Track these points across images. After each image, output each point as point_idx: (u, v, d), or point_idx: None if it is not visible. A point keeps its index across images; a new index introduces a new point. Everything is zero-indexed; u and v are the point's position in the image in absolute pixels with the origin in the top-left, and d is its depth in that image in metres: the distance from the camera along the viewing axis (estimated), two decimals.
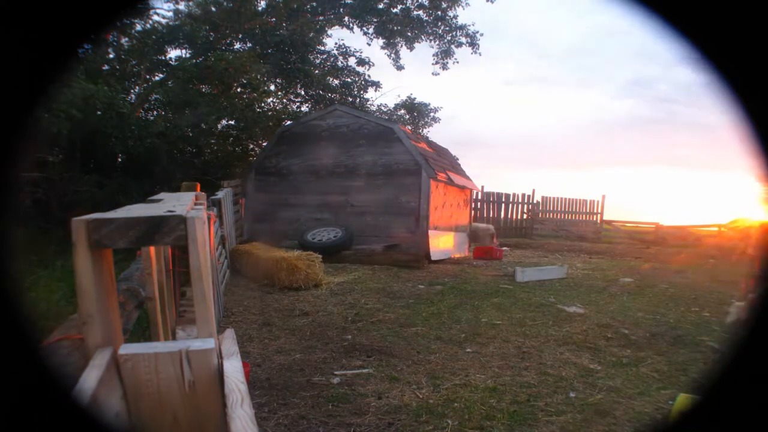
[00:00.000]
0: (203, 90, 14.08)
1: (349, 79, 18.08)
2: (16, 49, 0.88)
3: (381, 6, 17.14)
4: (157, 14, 14.13)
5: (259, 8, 16.17)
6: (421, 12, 17.45)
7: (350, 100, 17.32)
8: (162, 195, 2.25)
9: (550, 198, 20.32)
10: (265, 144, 13.44)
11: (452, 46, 18.12)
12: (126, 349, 1.12)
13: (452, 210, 12.39)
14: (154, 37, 13.93)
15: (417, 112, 18.77)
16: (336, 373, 4.18)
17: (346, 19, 17.54)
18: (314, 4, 16.93)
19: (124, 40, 13.89)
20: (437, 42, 18.11)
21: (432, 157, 11.72)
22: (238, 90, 13.83)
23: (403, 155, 10.79)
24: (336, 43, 18.29)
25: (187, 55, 14.68)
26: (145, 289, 2.31)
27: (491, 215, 19.58)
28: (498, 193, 19.61)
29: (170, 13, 14.46)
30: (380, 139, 10.99)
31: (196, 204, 1.94)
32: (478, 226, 14.33)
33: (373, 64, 18.10)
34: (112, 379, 1.07)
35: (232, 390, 1.11)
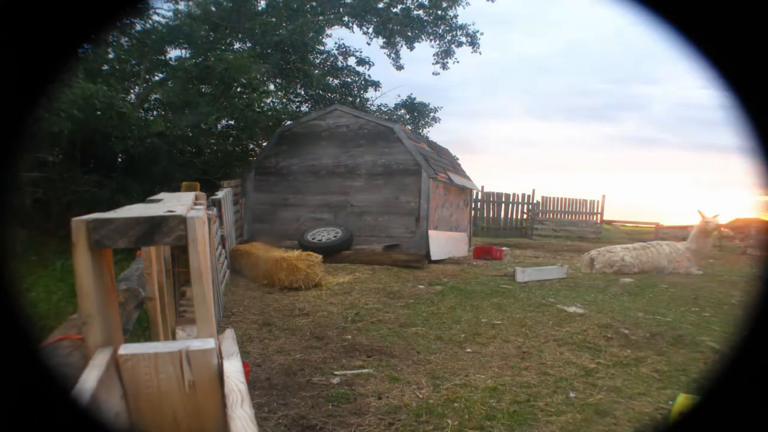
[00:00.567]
0: (203, 90, 14.09)
1: (349, 79, 18.08)
2: (16, 48, 0.88)
3: (381, 6, 17.14)
4: (157, 14, 14.16)
5: (259, 8, 16.17)
6: (421, 12, 17.45)
7: (350, 100, 17.32)
8: (162, 195, 2.25)
9: (550, 198, 20.34)
10: (265, 144, 13.44)
11: (452, 46, 18.13)
12: (126, 349, 1.12)
13: (452, 210, 12.39)
14: (154, 37, 13.94)
15: (417, 112, 18.78)
16: (336, 373, 4.18)
17: (346, 18, 17.55)
18: (314, 4, 16.93)
19: (124, 40, 13.90)
20: (437, 42, 18.13)
21: (432, 157, 11.72)
22: (238, 90, 13.83)
23: (403, 155, 10.80)
24: (336, 43, 18.29)
25: (187, 55, 14.69)
26: (145, 289, 2.31)
27: (491, 215, 19.59)
28: (498, 193, 19.62)
29: (170, 13, 14.47)
30: (380, 138, 11.00)
31: (196, 204, 1.94)
32: None
33: (373, 64, 18.13)
34: (112, 379, 1.07)
35: (232, 390, 1.11)
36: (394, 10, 17.12)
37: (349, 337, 5.22)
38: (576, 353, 4.87)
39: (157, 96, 14.84)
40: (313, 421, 3.28)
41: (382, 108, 18.59)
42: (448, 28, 17.74)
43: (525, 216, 19.81)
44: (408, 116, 18.77)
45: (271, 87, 15.95)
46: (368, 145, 11.08)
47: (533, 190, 20.03)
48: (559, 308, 6.71)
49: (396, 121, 15.63)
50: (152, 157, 11.69)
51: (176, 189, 3.92)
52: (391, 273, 8.88)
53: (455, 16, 17.54)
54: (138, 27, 13.67)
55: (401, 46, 18.19)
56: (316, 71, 16.87)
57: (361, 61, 18.01)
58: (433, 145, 13.62)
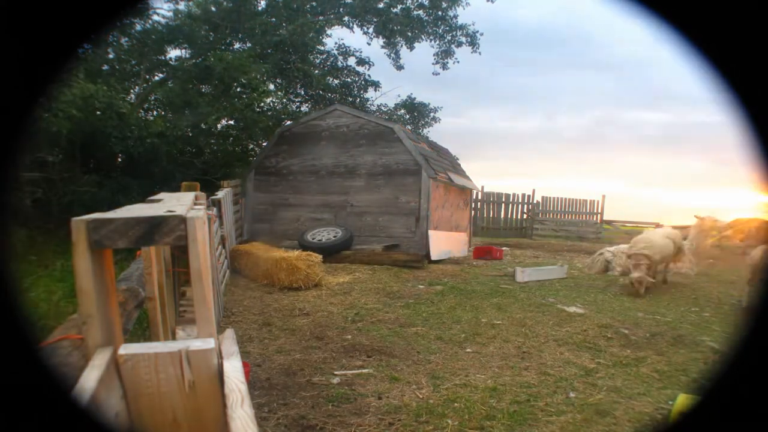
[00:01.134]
0: (203, 90, 14.09)
1: (348, 79, 18.08)
2: (16, 48, 0.88)
3: (381, 6, 17.15)
4: (157, 14, 14.16)
5: (259, 8, 16.17)
6: (421, 12, 17.46)
7: (350, 100, 17.32)
8: (162, 195, 2.25)
9: (550, 198, 20.33)
10: (265, 144, 13.44)
11: (452, 46, 18.13)
12: (126, 349, 1.12)
13: (452, 210, 12.40)
14: (154, 37, 13.94)
15: (417, 112, 18.77)
16: (336, 373, 4.18)
17: (346, 18, 17.54)
18: (314, 4, 16.94)
19: (124, 40, 13.91)
20: (437, 42, 18.13)
21: (432, 157, 11.72)
22: (238, 90, 13.82)
23: (403, 155, 10.80)
24: (336, 43, 18.28)
25: (187, 55, 14.70)
26: (145, 289, 2.31)
27: (491, 215, 19.59)
28: (498, 193, 19.62)
29: (170, 13, 14.48)
30: (380, 138, 11.00)
31: (196, 204, 1.94)
32: None
33: (373, 64, 18.12)
34: (112, 379, 1.07)
35: (232, 390, 1.11)
36: (394, 10, 17.12)
37: (349, 337, 5.22)
38: (576, 353, 4.87)
39: (157, 96, 14.84)
40: (313, 421, 3.28)
41: (382, 108, 18.60)
42: (448, 28, 17.75)
43: (525, 216, 19.81)
44: (408, 116, 18.77)
45: (271, 87, 15.95)
46: (368, 145, 11.08)
47: (533, 190, 20.02)
48: (559, 308, 6.71)
49: (396, 121, 15.64)
50: (152, 157, 11.69)
51: (176, 189, 3.92)
52: (391, 273, 8.88)
53: (455, 17, 17.55)
54: (138, 27, 13.67)
55: (401, 46, 18.21)
56: (316, 71, 16.87)
57: (361, 61, 18.01)
58: (433, 145, 13.62)
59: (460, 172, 13.95)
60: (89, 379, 0.99)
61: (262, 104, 14.66)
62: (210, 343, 1.15)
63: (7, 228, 1.00)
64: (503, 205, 19.64)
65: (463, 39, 17.94)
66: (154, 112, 14.96)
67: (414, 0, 17.23)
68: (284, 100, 16.94)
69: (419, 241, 10.53)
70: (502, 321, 5.98)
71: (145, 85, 14.76)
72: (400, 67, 18.72)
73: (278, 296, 7.04)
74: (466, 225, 13.75)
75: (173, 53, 15.06)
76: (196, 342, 1.15)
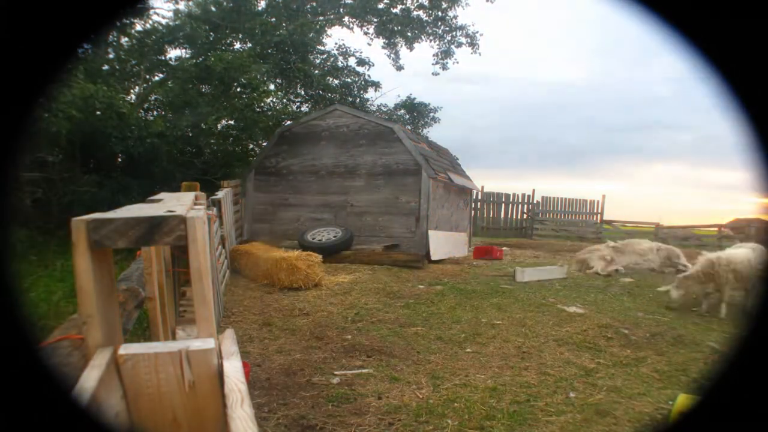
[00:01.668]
0: (203, 90, 14.08)
1: (349, 79, 18.08)
2: (16, 48, 0.88)
3: (381, 6, 17.16)
4: (157, 14, 14.17)
5: (259, 8, 16.18)
6: (421, 12, 17.47)
7: (350, 100, 17.31)
8: (162, 195, 2.25)
9: (550, 198, 20.33)
10: (265, 144, 13.44)
11: (452, 47, 18.14)
12: (126, 349, 1.12)
13: (452, 210, 12.39)
14: (154, 37, 13.94)
15: (417, 112, 18.78)
16: (336, 373, 4.18)
17: (346, 19, 17.56)
18: (314, 4, 16.95)
19: (124, 40, 13.92)
20: (437, 42, 18.14)
21: (432, 157, 11.72)
22: (238, 90, 13.83)
23: (403, 155, 10.80)
24: (336, 43, 18.35)
25: (187, 55, 14.69)
26: (145, 289, 2.31)
27: (491, 215, 19.60)
28: (498, 193, 19.62)
29: (170, 13, 14.49)
30: (380, 139, 11.00)
31: (196, 204, 1.94)
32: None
33: (373, 64, 18.12)
34: (112, 379, 1.07)
35: (232, 390, 1.11)
36: (394, 10, 17.13)
37: (349, 337, 5.22)
38: (576, 353, 4.87)
39: (157, 96, 14.84)
40: (313, 421, 3.28)
41: (382, 108, 18.60)
42: (447, 28, 17.76)
43: (525, 216, 19.81)
44: (408, 116, 18.78)
45: (271, 87, 15.95)
46: (368, 145, 11.08)
47: (533, 190, 20.04)
48: (559, 308, 6.71)
49: (396, 121, 15.64)
50: (152, 157, 11.69)
51: (176, 189, 3.92)
52: (391, 273, 8.88)
53: (455, 17, 17.57)
54: (138, 27, 13.68)
55: (401, 46, 18.22)
56: (317, 71, 16.87)
57: (361, 62, 18.01)
58: (433, 145, 13.62)
59: (460, 172, 13.95)
60: (89, 379, 0.99)
61: (262, 104, 14.66)
62: (210, 343, 1.15)
63: (7, 228, 1.00)
64: (503, 205, 19.65)
65: (463, 39, 17.96)
66: (154, 112, 14.95)
67: (414, 0, 17.24)
68: (284, 100, 16.95)
69: (419, 241, 10.53)
70: (502, 321, 5.98)
71: (145, 85, 14.76)
72: (400, 68, 18.75)
73: (278, 296, 7.04)
74: (466, 225, 13.75)
75: (173, 53, 15.08)
76: (196, 342, 1.15)
